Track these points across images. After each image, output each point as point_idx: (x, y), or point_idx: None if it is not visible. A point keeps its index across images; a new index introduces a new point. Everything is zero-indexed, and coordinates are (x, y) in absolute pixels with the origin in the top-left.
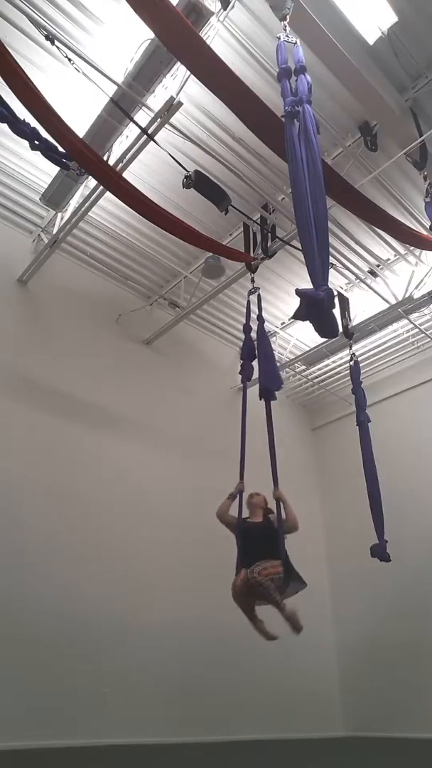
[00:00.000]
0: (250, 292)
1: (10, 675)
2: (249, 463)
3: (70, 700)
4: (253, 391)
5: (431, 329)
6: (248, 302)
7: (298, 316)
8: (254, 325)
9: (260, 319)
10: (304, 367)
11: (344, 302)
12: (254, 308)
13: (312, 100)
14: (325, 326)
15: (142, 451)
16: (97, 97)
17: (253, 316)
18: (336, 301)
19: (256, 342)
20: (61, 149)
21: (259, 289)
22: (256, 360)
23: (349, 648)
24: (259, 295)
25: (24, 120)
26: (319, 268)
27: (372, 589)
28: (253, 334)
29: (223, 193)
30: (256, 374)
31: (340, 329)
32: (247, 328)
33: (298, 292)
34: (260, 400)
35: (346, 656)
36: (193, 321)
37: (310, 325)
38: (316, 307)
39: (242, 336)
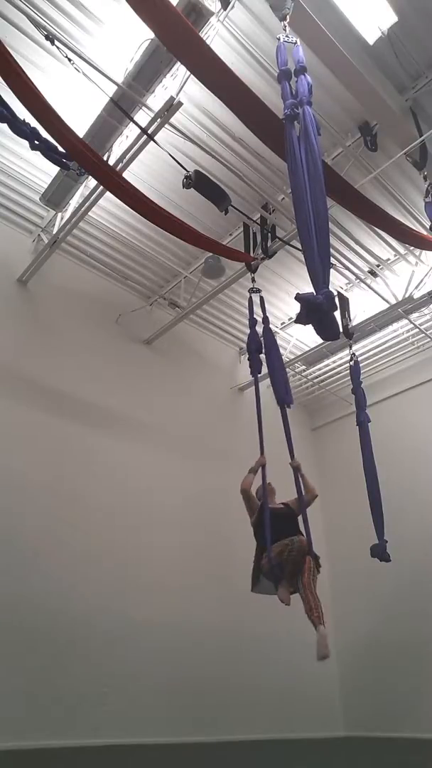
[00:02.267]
0: (251, 291)
1: (10, 675)
2: (248, 457)
3: (70, 700)
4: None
5: (431, 329)
6: (250, 298)
7: (300, 320)
8: (259, 319)
9: (265, 321)
10: (304, 367)
11: (344, 302)
12: (258, 307)
13: (312, 101)
14: (326, 329)
15: (142, 451)
16: (97, 97)
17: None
18: (336, 301)
19: (261, 338)
20: (61, 149)
21: (260, 291)
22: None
23: (349, 648)
24: (261, 298)
25: (24, 120)
26: (319, 271)
27: (372, 589)
28: (258, 329)
29: (223, 193)
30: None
31: (341, 330)
32: (252, 322)
33: (298, 297)
34: (278, 406)
35: (346, 656)
36: (193, 321)
37: (311, 326)
38: (317, 311)
39: (242, 335)
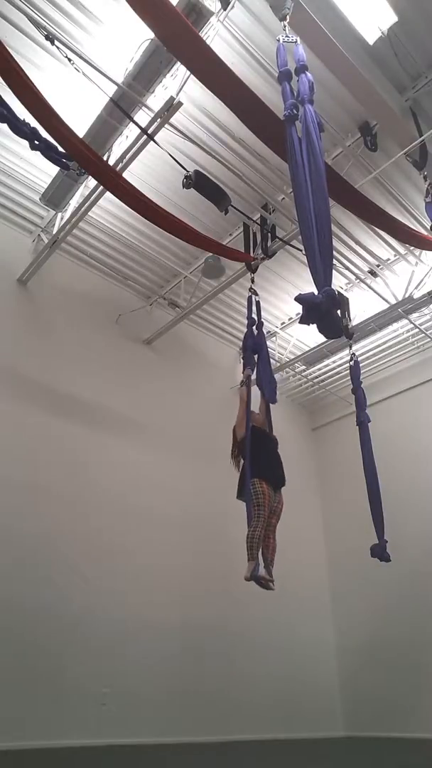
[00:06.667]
0: (251, 290)
1: (10, 675)
2: None
3: (70, 700)
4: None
5: (431, 329)
6: (249, 297)
7: (303, 320)
8: (257, 321)
9: (260, 326)
10: (304, 367)
11: (344, 302)
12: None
13: (313, 100)
14: (328, 327)
15: (142, 451)
16: (97, 97)
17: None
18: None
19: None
20: (61, 149)
21: (258, 294)
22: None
23: (349, 648)
24: (258, 302)
25: (24, 120)
26: (321, 271)
27: (372, 589)
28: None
29: (223, 193)
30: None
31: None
32: (251, 321)
33: (297, 298)
34: (269, 402)
35: (346, 656)
36: (193, 321)
37: (314, 326)
38: (317, 311)
39: (242, 336)
